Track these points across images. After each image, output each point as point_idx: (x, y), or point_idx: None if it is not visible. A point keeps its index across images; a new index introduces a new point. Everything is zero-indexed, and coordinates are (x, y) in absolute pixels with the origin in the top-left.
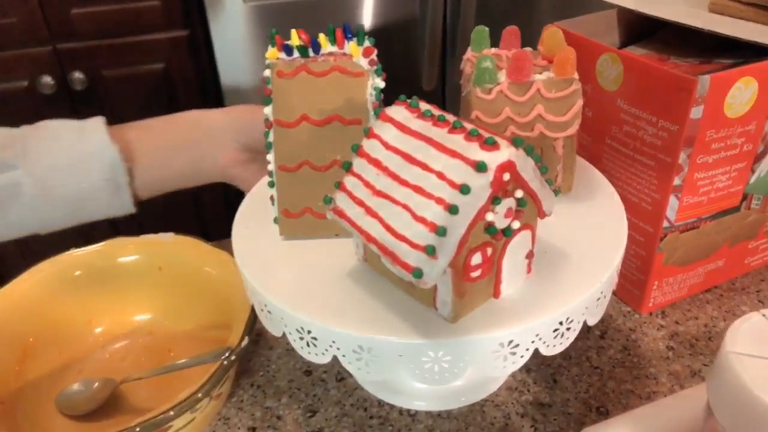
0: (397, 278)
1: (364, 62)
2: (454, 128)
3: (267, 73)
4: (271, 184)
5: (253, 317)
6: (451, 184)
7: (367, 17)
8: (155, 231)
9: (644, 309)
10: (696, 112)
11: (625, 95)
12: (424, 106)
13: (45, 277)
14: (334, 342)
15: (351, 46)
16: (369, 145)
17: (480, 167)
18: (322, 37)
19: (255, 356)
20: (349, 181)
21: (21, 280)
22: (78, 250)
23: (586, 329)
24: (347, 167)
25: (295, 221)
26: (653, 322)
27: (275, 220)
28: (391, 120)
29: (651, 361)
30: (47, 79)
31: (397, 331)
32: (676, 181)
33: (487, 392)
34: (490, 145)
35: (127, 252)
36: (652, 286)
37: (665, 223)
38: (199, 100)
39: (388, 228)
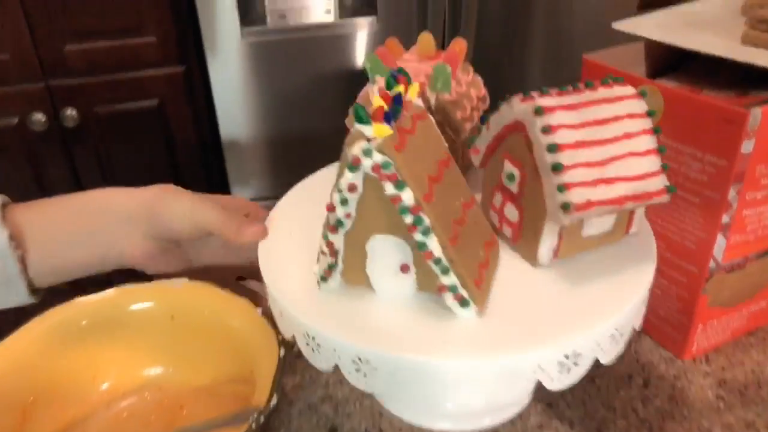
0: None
1: (419, 102)
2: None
3: (378, 158)
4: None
5: (281, 370)
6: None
7: (360, 51)
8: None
9: (687, 355)
10: (747, 146)
11: (667, 129)
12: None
13: (48, 328)
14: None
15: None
16: (561, 137)
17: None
18: (401, 89)
19: (273, 412)
20: (572, 176)
21: (22, 332)
22: (85, 297)
23: (627, 377)
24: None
25: None
26: (698, 369)
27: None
28: (551, 109)
29: (702, 412)
30: (39, 116)
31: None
32: (724, 218)
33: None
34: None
35: (140, 299)
36: (696, 329)
37: (711, 264)
38: (195, 137)
39: (631, 179)
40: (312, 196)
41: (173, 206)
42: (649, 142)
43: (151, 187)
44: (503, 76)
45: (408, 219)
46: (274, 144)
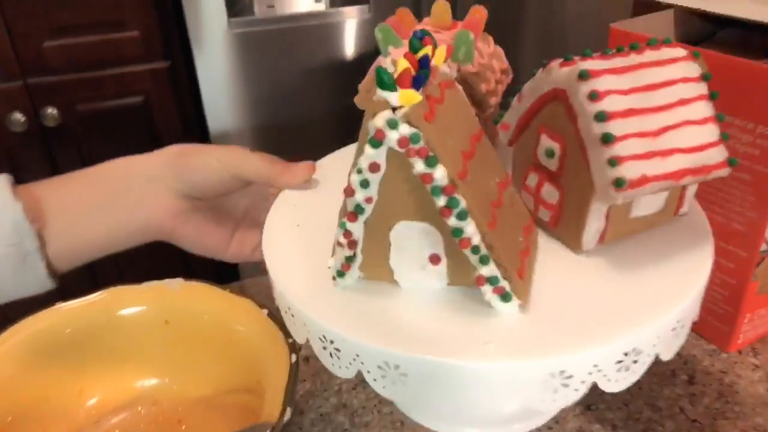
0: None
1: (446, 68)
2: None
3: (405, 130)
4: None
5: (294, 379)
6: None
7: (351, 42)
8: (158, 275)
9: (732, 346)
10: None
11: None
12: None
13: (26, 339)
14: (357, 356)
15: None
16: (609, 104)
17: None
18: (428, 51)
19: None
20: (624, 147)
21: None
22: (68, 303)
23: (670, 373)
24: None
25: None
26: (745, 362)
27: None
28: (597, 73)
29: (755, 409)
30: (18, 116)
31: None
32: None
33: None
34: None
35: (130, 302)
36: (743, 319)
37: (763, 246)
38: (182, 134)
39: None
40: (325, 180)
41: (203, 157)
42: (706, 108)
43: (171, 146)
44: None
45: (441, 201)
46: (264, 137)
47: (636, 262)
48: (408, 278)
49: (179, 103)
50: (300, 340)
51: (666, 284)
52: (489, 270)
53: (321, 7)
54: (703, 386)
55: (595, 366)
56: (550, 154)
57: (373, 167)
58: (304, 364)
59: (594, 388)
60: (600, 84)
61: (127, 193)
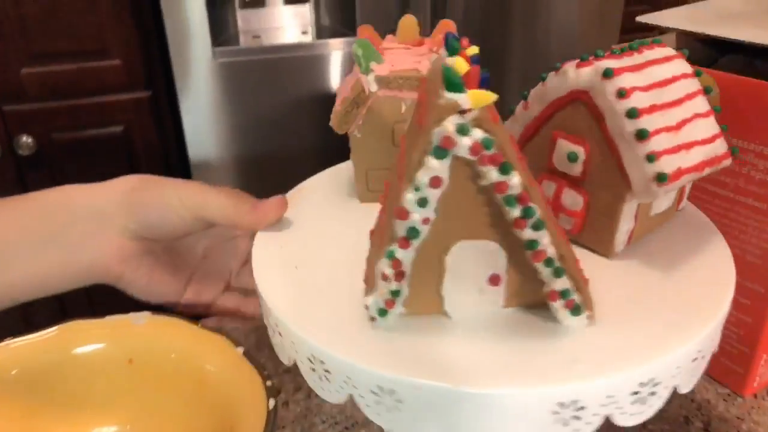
0: None
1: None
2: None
3: (478, 135)
4: None
5: (271, 426)
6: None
7: (337, 73)
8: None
9: (748, 390)
10: None
11: (725, 123)
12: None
13: None
14: (349, 378)
15: None
16: (636, 100)
17: None
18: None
19: None
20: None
21: None
22: (16, 340)
23: (683, 420)
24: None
25: None
26: (762, 407)
27: None
28: (619, 71)
29: None
30: None
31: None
32: None
33: None
34: None
35: (88, 339)
36: (760, 360)
37: None
38: (163, 164)
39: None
40: (312, 201)
41: (161, 193)
42: (705, 102)
43: (123, 178)
44: None
45: (515, 212)
46: (247, 168)
47: (656, 271)
48: (461, 306)
49: (160, 133)
50: (287, 362)
51: (687, 311)
52: (562, 283)
53: (308, 38)
54: None
55: (610, 397)
56: (572, 158)
57: (435, 182)
58: (284, 409)
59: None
60: (623, 81)
61: (69, 229)
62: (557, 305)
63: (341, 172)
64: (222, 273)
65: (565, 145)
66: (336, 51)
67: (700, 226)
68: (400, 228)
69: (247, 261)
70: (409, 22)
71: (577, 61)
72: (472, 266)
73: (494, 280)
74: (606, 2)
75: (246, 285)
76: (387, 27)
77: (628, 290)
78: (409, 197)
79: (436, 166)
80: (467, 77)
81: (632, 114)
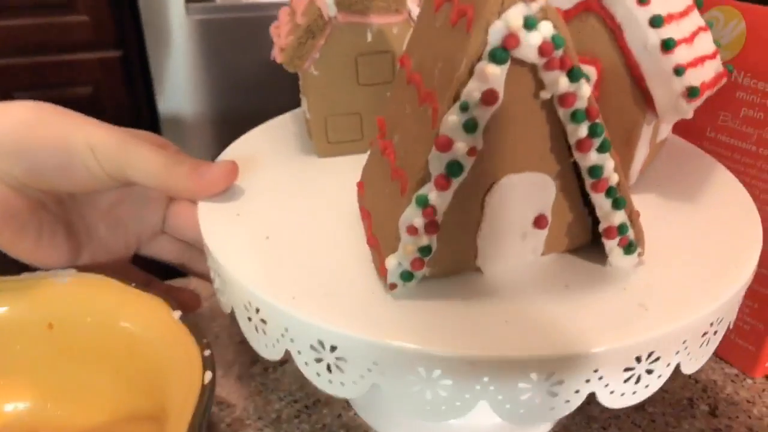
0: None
1: None
2: None
3: (548, 30)
4: None
5: (206, 405)
6: None
7: None
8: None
9: (759, 372)
10: None
11: (749, 65)
12: None
13: None
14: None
15: None
16: (657, 7)
17: None
18: None
19: None
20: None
21: None
22: None
23: (687, 402)
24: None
25: None
26: None
27: None
28: None
29: None
30: None
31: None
32: None
33: None
34: None
35: (1, 300)
36: None
37: None
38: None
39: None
40: (260, 160)
41: (64, 135)
42: (699, 16)
43: (15, 104)
44: None
45: (582, 130)
46: (221, 132)
47: (674, 202)
48: (499, 258)
49: (132, 94)
50: (226, 309)
51: (700, 277)
52: (620, 217)
53: None
54: (729, 419)
55: (597, 373)
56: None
57: (489, 97)
58: (237, 384)
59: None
60: None
61: None
62: (612, 244)
63: (282, 125)
64: (127, 242)
65: None
66: None
67: (694, 154)
68: (438, 163)
69: (158, 231)
70: None
71: None
72: (516, 206)
73: (540, 221)
74: None
75: (157, 256)
76: None
77: (657, 223)
78: (453, 120)
79: (494, 74)
80: None
81: (657, 22)
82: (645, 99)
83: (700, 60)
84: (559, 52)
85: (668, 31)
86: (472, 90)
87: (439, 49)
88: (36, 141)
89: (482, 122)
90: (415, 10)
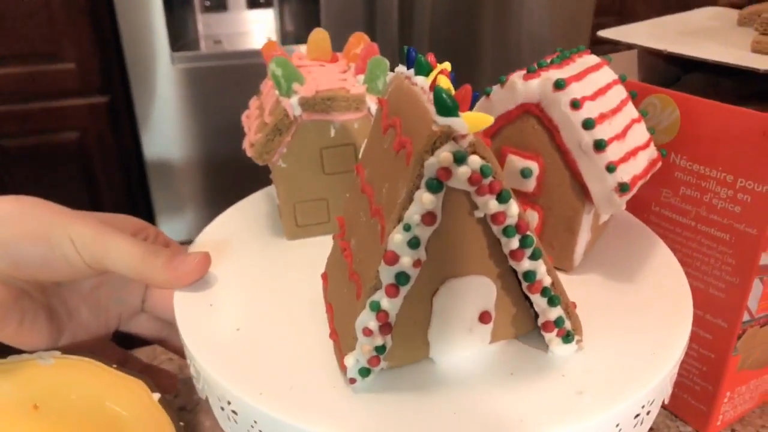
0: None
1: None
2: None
3: (476, 163)
4: None
5: None
6: None
7: None
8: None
9: (711, 429)
10: None
11: (684, 148)
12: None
13: None
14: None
15: None
16: (589, 111)
17: None
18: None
19: None
20: (612, 152)
21: None
22: None
23: None
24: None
25: None
26: None
27: None
28: (568, 81)
29: None
30: None
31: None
32: (764, 259)
33: None
34: None
35: None
36: (723, 398)
37: (745, 316)
38: (119, 173)
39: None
40: (232, 246)
41: (46, 229)
42: (633, 107)
43: (14, 197)
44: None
45: (514, 243)
46: (206, 178)
47: (616, 282)
48: (448, 349)
49: (118, 139)
50: (201, 395)
51: (631, 360)
52: (556, 312)
53: None
54: None
55: (618, 426)
56: (526, 174)
57: (428, 219)
58: None
59: None
60: (574, 92)
61: None
62: (551, 335)
63: (254, 205)
64: (107, 323)
65: (516, 161)
66: None
67: (638, 230)
68: (387, 274)
69: (137, 311)
70: (320, 36)
71: (524, 72)
72: (461, 305)
73: (485, 317)
74: (576, 11)
75: (136, 333)
76: (352, 32)
77: (595, 307)
78: (398, 238)
79: (430, 201)
80: (459, 98)
81: (589, 125)
82: (584, 191)
83: (632, 153)
84: (487, 180)
85: (600, 132)
86: (413, 213)
87: (386, 171)
88: (18, 236)
89: (424, 239)
90: (373, 107)
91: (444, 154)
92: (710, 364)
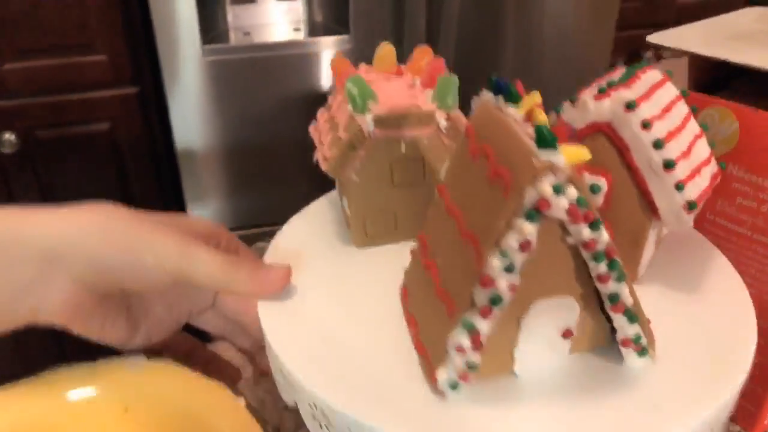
0: None
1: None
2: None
3: (573, 194)
4: None
5: None
6: None
7: (329, 72)
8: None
9: (759, 429)
10: None
11: (742, 160)
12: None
13: None
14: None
15: None
16: (658, 130)
17: None
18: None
19: None
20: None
21: None
22: (4, 387)
23: None
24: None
25: None
26: None
27: None
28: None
29: None
30: None
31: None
32: None
33: None
34: None
35: (79, 382)
36: None
37: None
38: (149, 163)
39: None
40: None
41: (132, 248)
42: (695, 123)
43: (86, 208)
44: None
45: (601, 267)
46: (235, 168)
47: (680, 294)
48: (532, 364)
49: (147, 130)
50: (289, 403)
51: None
52: (634, 329)
53: (300, 36)
54: None
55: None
56: (595, 190)
57: (525, 246)
58: None
59: None
60: (645, 112)
61: (15, 268)
62: (628, 350)
63: (318, 213)
64: (179, 318)
65: (587, 178)
66: (329, 49)
67: (696, 241)
68: (483, 296)
69: (207, 308)
70: (386, 50)
71: (595, 92)
72: (547, 323)
73: (567, 333)
74: None
75: (201, 327)
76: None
77: (661, 318)
78: (495, 263)
79: (528, 230)
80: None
81: (659, 145)
82: (651, 208)
83: (697, 170)
84: (583, 210)
85: (669, 151)
86: (511, 240)
87: (478, 197)
88: (104, 248)
89: (519, 265)
90: (442, 122)
91: (545, 187)
92: (761, 367)
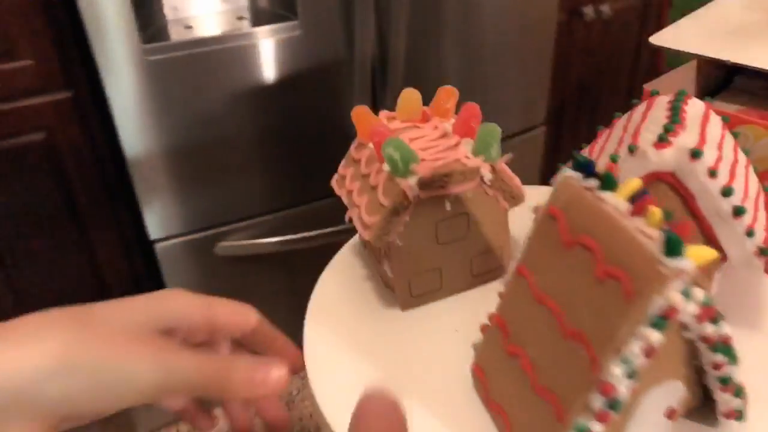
0: None
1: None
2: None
3: (700, 297)
4: None
5: None
6: None
7: (279, 60)
8: None
9: None
10: None
11: None
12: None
13: None
14: None
15: None
16: (723, 175)
17: None
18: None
19: None
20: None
21: None
22: None
23: None
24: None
25: None
26: None
27: None
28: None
29: None
30: None
31: None
32: None
33: None
34: None
35: None
36: None
37: None
38: (95, 172)
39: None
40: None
41: (101, 374)
42: (741, 151)
43: (40, 336)
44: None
45: (718, 356)
46: (188, 168)
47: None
48: None
49: (88, 136)
50: None
51: None
52: (738, 403)
53: (244, 25)
54: None
55: None
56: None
57: (650, 353)
58: None
59: None
60: (709, 159)
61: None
62: (728, 419)
63: (353, 263)
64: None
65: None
66: (276, 37)
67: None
68: (601, 402)
69: None
70: (411, 96)
71: (655, 141)
72: (655, 405)
73: (671, 414)
74: None
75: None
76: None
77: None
78: (617, 372)
79: (655, 338)
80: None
81: (727, 193)
82: (719, 252)
83: (756, 206)
84: (708, 308)
85: (737, 198)
86: (634, 347)
87: (583, 295)
88: (68, 389)
89: (641, 370)
90: (488, 176)
91: (674, 296)
92: None
